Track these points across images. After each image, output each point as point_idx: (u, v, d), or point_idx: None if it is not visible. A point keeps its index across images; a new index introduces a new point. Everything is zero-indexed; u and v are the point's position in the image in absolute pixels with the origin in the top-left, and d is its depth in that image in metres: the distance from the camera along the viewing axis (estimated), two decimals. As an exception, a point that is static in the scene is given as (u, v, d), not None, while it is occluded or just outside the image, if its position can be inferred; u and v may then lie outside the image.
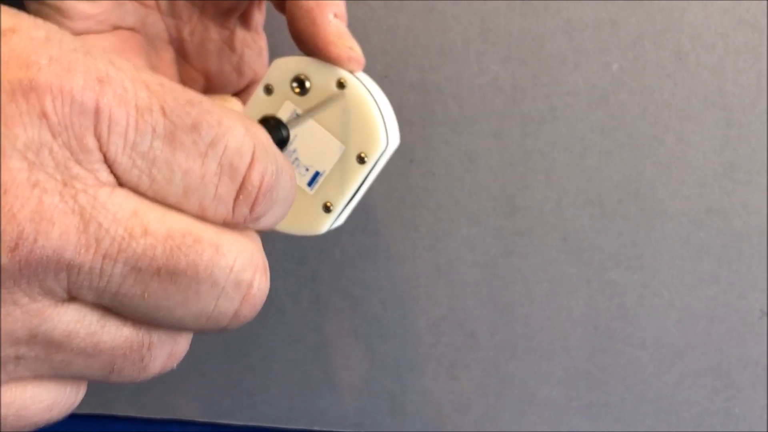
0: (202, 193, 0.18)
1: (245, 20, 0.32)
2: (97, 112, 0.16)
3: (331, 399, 0.44)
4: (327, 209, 0.29)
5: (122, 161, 0.17)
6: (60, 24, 0.28)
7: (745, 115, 0.35)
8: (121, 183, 0.17)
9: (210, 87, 0.32)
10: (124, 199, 0.17)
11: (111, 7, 0.29)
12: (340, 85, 0.28)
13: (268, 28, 0.33)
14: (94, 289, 0.17)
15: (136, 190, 0.18)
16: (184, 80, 0.32)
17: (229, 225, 0.19)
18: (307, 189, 0.29)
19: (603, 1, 0.34)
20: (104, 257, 0.17)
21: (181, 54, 0.32)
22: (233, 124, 0.18)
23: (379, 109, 0.29)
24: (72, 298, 0.18)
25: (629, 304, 0.39)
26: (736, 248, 0.37)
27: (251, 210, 0.19)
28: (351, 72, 0.28)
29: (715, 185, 0.37)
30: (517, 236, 0.39)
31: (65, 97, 0.16)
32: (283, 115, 0.29)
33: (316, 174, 0.29)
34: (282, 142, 0.24)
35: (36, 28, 0.17)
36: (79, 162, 0.17)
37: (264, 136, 0.19)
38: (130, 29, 0.30)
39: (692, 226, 0.37)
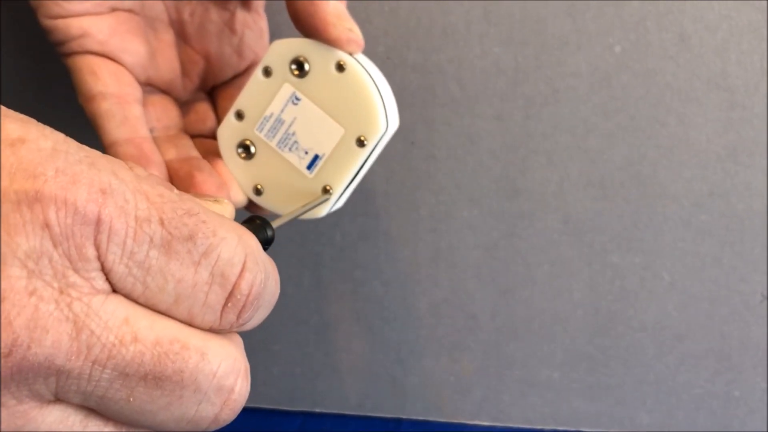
0: (192, 301, 0.19)
1: (246, 1, 0.32)
2: (98, 222, 0.17)
3: (332, 381, 0.44)
4: (326, 192, 0.29)
5: (118, 270, 0.18)
6: (59, 7, 0.28)
7: (748, 97, 0.35)
8: (115, 290, 0.18)
9: (210, 69, 0.32)
10: (117, 306, 0.18)
11: None
12: (339, 67, 0.28)
13: (269, 10, 0.33)
14: (81, 392, 0.18)
15: (129, 297, 0.18)
16: (184, 62, 0.32)
17: (214, 330, 0.19)
18: (307, 172, 0.29)
19: (606, -18, 0.34)
20: (93, 363, 0.17)
21: (181, 36, 0.32)
22: (227, 235, 0.19)
23: (378, 91, 0.28)
24: (58, 399, 0.18)
25: (630, 287, 0.39)
26: (737, 231, 0.37)
27: (238, 317, 0.20)
28: (350, 54, 0.28)
29: (717, 167, 0.36)
30: (518, 219, 0.39)
31: (69, 208, 0.17)
32: (282, 96, 0.29)
33: (316, 157, 0.29)
34: (267, 242, 0.24)
35: (44, 138, 0.17)
36: (76, 270, 0.17)
37: (255, 244, 0.20)
38: (129, 11, 0.30)
39: (694, 209, 0.37)
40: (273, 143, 0.29)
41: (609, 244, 0.39)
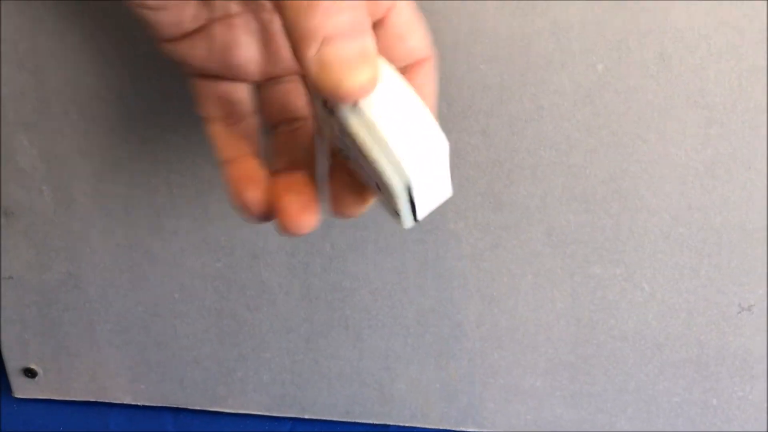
0: None
1: None
2: None
3: (321, 387, 0.45)
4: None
5: None
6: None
7: (726, 114, 0.36)
8: None
9: None
10: None
11: None
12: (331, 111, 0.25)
13: None
14: None
15: None
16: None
17: None
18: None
19: (589, 3, 0.35)
20: None
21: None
22: None
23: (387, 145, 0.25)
24: None
25: (611, 297, 0.40)
26: (715, 244, 0.38)
27: None
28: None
29: (695, 182, 0.38)
30: (503, 230, 0.40)
31: None
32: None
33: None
34: None
35: None
36: None
37: None
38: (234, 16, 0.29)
39: (673, 222, 0.38)
40: None
41: (591, 255, 0.40)
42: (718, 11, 0.35)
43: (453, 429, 0.45)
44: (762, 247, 0.38)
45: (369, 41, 0.24)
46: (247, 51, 0.30)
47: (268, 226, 0.42)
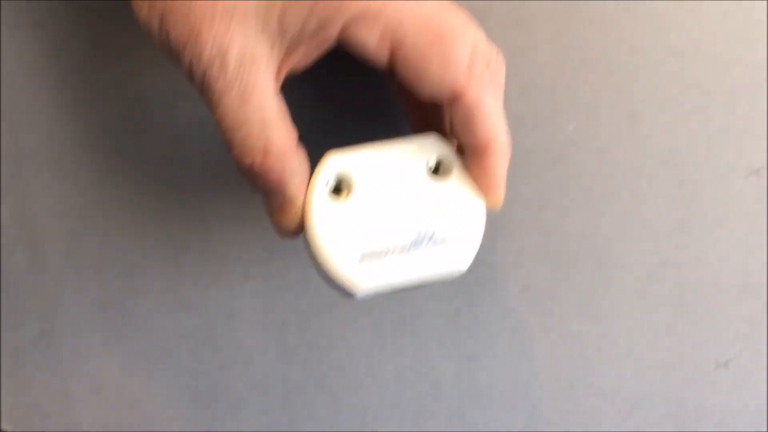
0: None
1: None
2: None
3: (298, 447, 0.45)
4: None
5: None
6: None
7: (696, 172, 0.37)
8: None
9: None
10: None
11: None
12: None
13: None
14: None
15: None
16: None
17: None
18: None
19: (558, 67, 0.35)
20: None
21: None
22: None
23: None
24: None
25: (588, 355, 0.40)
26: (690, 300, 0.38)
27: None
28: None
29: (669, 240, 0.38)
30: (479, 288, 0.40)
31: None
32: None
33: None
34: None
35: None
36: None
37: None
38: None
39: (648, 279, 0.38)
40: None
41: (567, 312, 0.40)
42: (686, 72, 0.35)
43: (432, 488, 0.44)
44: (736, 303, 0.38)
45: (288, 193, 0.28)
46: None
47: (243, 285, 0.41)
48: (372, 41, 0.26)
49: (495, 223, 0.38)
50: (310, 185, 0.28)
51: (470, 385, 0.42)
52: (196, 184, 0.40)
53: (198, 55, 0.25)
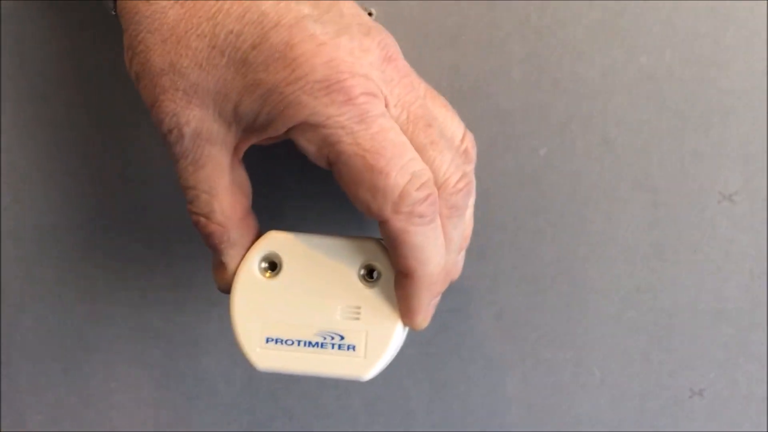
0: None
1: None
2: None
3: (265, 480, 0.43)
4: None
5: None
6: None
7: (671, 196, 0.36)
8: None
9: None
10: None
11: None
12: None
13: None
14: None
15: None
16: None
17: None
18: None
19: (531, 89, 0.35)
20: None
21: None
22: None
23: None
24: None
25: (563, 382, 0.39)
26: (665, 327, 0.38)
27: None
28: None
29: (643, 265, 0.37)
30: (452, 313, 0.39)
31: None
32: None
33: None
34: None
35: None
36: None
37: None
38: None
39: (622, 305, 0.38)
40: None
41: (541, 339, 0.39)
42: (659, 96, 0.35)
43: None
44: (712, 330, 0.38)
45: (224, 259, 0.30)
46: None
47: (209, 312, 0.40)
48: (311, 149, 0.27)
49: (469, 248, 0.38)
50: (245, 257, 0.30)
51: (443, 413, 0.41)
52: (160, 208, 0.38)
53: (159, 121, 0.27)
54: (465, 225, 0.31)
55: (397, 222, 0.27)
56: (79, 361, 0.42)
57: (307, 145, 0.27)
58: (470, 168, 0.31)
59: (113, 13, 0.28)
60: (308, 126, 0.26)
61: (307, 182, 0.37)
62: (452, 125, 0.30)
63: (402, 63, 0.28)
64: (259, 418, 0.42)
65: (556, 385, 0.39)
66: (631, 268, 0.37)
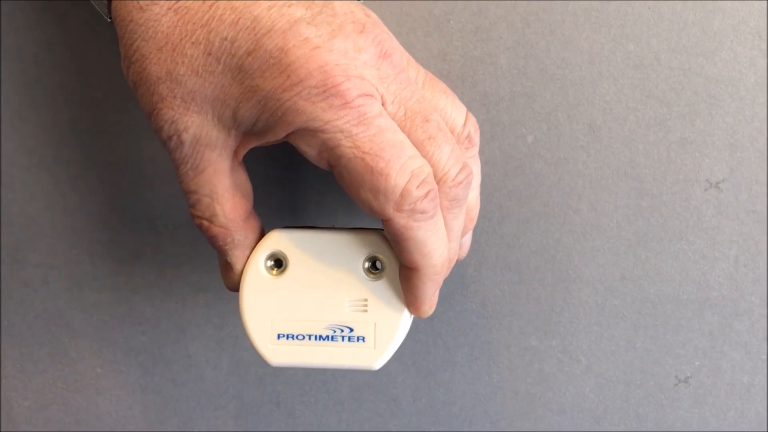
0: None
1: None
2: None
3: (251, 466, 0.43)
4: None
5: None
6: None
7: (656, 185, 0.36)
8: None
9: None
10: None
11: None
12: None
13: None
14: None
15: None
16: None
17: None
18: None
19: (518, 77, 0.35)
20: None
21: None
22: None
23: None
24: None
25: (548, 370, 0.39)
26: (650, 315, 0.38)
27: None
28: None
29: (629, 253, 0.37)
30: (438, 302, 0.39)
31: None
32: None
33: None
34: None
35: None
36: None
37: None
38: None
39: (607, 293, 0.38)
40: None
41: (527, 327, 0.39)
42: (646, 84, 0.35)
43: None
44: (697, 319, 0.38)
45: (229, 260, 0.30)
46: None
47: (195, 298, 0.40)
48: (312, 153, 0.27)
49: (454, 236, 0.38)
50: (251, 257, 0.30)
51: (429, 401, 0.41)
52: (147, 193, 0.38)
53: (158, 128, 0.28)
54: (471, 207, 0.32)
55: (400, 220, 0.27)
56: (66, 347, 0.42)
57: (307, 149, 0.27)
58: (473, 153, 0.31)
59: (108, 19, 0.28)
60: (307, 131, 0.26)
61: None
62: (453, 112, 0.30)
63: (398, 58, 0.28)
64: (246, 404, 0.42)
65: (541, 373, 0.40)
66: (617, 256, 0.37)
